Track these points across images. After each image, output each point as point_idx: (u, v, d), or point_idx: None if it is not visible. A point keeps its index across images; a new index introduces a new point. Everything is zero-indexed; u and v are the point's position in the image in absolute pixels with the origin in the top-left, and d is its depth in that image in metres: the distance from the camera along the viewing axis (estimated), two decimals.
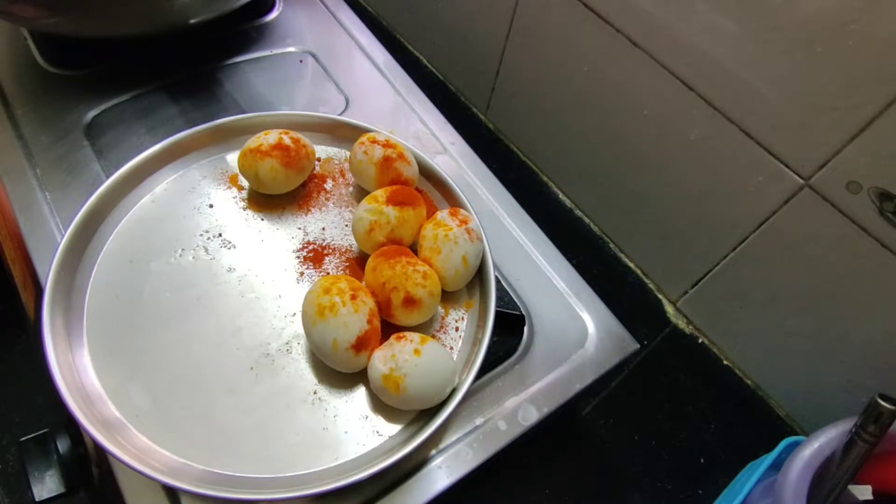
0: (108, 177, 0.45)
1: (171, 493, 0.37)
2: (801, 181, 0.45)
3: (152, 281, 0.43)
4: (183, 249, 0.45)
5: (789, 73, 0.42)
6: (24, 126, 0.53)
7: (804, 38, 0.40)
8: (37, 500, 0.37)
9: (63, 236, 0.41)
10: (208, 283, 0.44)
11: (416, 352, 0.38)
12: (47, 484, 0.37)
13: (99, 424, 0.34)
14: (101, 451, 0.36)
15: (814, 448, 0.40)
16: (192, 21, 0.55)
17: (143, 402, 0.37)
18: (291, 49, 0.64)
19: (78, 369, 0.37)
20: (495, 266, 0.46)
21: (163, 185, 0.48)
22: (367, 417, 0.40)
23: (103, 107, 0.55)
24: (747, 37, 0.43)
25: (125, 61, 0.59)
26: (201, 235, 0.46)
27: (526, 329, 0.47)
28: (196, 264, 0.44)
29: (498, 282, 0.48)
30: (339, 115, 0.59)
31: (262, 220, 0.48)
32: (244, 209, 0.48)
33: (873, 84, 0.38)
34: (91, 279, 0.42)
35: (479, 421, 0.42)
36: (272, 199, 0.49)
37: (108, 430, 0.35)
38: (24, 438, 0.35)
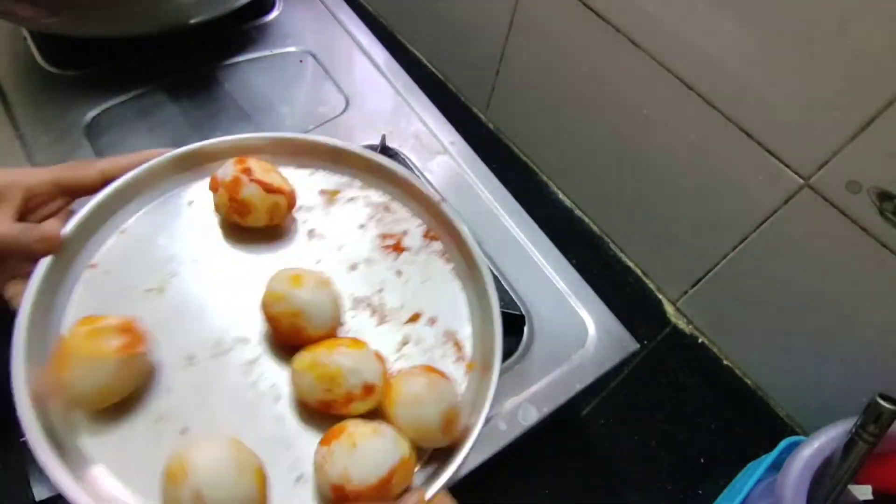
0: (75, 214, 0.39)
1: None
2: (801, 181, 0.45)
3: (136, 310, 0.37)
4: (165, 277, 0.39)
5: (789, 73, 0.42)
6: (24, 126, 0.53)
7: (804, 38, 0.40)
8: (37, 500, 0.37)
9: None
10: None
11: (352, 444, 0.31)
12: (48, 484, 0.37)
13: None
14: None
15: (814, 448, 0.40)
16: (192, 21, 0.55)
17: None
18: (291, 49, 0.64)
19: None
20: (502, 274, 0.42)
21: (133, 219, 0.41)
22: None
23: (103, 107, 0.55)
24: (747, 37, 0.43)
25: (125, 61, 0.59)
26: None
27: (526, 329, 0.47)
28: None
29: (498, 282, 0.48)
30: (339, 115, 0.59)
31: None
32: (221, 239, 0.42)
33: (873, 84, 0.38)
34: (70, 299, 0.37)
35: None
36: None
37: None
38: (24, 438, 0.35)
